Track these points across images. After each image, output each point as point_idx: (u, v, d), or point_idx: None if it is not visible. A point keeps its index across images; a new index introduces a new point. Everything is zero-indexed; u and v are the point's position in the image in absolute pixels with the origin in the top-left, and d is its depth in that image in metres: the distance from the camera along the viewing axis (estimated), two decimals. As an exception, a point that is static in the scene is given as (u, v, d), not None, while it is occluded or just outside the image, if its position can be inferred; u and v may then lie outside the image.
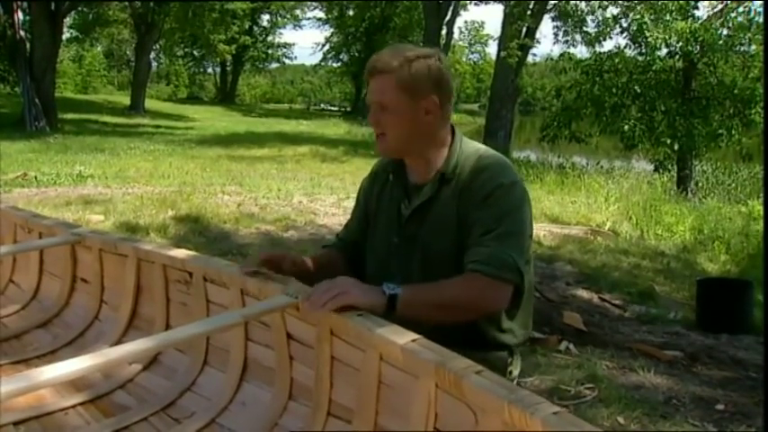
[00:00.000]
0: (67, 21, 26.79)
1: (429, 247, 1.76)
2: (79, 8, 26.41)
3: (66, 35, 29.54)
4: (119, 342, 2.32)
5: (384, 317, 1.54)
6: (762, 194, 10.32)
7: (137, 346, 1.54)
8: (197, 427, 1.90)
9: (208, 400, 2.02)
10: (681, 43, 11.62)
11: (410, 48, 1.77)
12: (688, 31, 11.40)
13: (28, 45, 17.79)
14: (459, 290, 1.60)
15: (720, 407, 3.09)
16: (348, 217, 2.11)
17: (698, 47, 11.68)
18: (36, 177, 8.89)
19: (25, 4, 18.36)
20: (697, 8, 12.48)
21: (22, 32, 17.76)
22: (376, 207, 1.92)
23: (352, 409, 1.67)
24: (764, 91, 9.16)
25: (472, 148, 1.80)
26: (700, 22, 12.03)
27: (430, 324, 1.55)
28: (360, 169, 11.13)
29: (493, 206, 1.66)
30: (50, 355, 2.36)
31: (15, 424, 1.92)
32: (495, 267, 1.59)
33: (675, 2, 12.23)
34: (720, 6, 12.61)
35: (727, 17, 12.09)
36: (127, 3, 28.27)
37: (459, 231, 1.71)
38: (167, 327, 2.28)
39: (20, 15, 17.89)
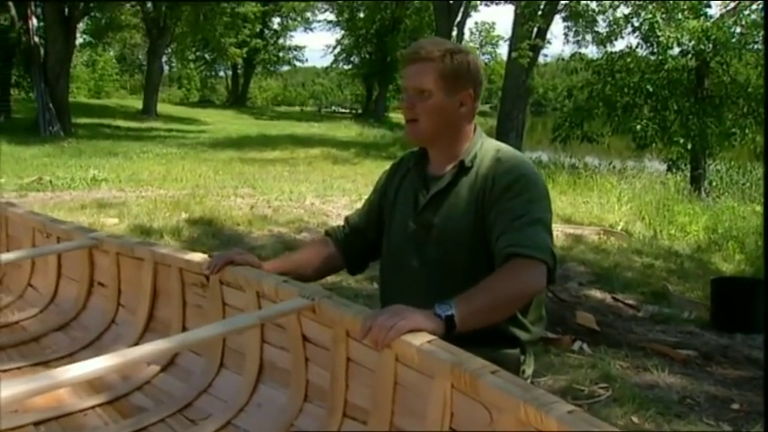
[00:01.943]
0: (80, 26, 26.94)
1: (444, 234, 1.78)
2: (92, 13, 26.57)
3: (79, 40, 29.64)
4: (136, 345, 2.34)
5: (443, 338, 1.48)
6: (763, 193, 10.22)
7: (154, 347, 1.57)
8: (213, 428, 1.92)
9: (224, 401, 2.04)
10: (693, 42, 11.55)
11: (448, 42, 1.86)
12: (700, 29, 11.34)
13: (42, 50, 17.96)
14: (504, 281, 1.58)
15: (736, 406, 3.09)
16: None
17: (710, 45, 11.60)
18: (51, 181, 8.96)
19: (39, 10, 18.51)
20: (709, 6, 12.43)
21: (36, 38, 17.93)
22: (394, 199, 1.94)
23: (367, 410, 1.68)
24: (765, 91, 9.06)
25: (492, 143, 1.86)
26: (712, 20, 11.95)
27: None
28: (371, 171, 11.14)
29: (520, 194, 1.69)
30: (68, 358, 2.38)
31: (36, 424, 1.95)
32: (531, 248, 1.59)
33: (687, 1, 12.17)
34: (733, 4, 12.53)
35: (740, 15, 12.01)
36: (139, 7, 28.42)
37: (475, 220, 1.74)
38: (184, 330, 2.29)
39: (34, 21, 18.04)
